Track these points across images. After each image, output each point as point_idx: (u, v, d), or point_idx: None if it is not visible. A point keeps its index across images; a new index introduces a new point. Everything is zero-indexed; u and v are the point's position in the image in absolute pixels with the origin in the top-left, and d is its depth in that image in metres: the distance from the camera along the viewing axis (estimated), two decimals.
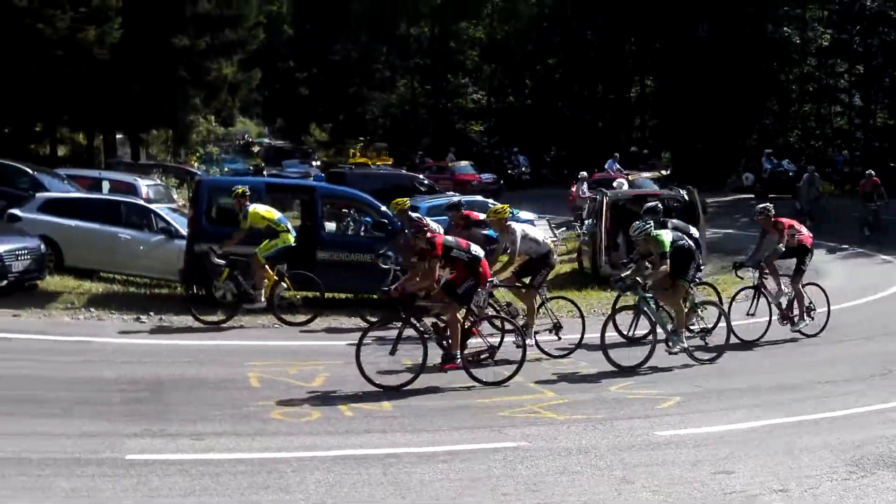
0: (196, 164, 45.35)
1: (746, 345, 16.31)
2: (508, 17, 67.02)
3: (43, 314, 17.40)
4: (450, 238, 13.93)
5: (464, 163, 51.99)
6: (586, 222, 26.21)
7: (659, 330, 14.52)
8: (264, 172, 46.51)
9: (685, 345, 14.55)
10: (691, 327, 15.09)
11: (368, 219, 21.21)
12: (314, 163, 55.87)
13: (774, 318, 17.05)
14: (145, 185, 26.40)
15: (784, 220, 17.56)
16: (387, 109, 72.72)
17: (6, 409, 11.36)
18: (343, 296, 20.11)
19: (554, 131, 61.99)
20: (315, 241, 19.31)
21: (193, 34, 42.30)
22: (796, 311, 17.07)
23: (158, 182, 29.82)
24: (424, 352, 13.00)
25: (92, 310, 17.79)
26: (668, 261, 14.17)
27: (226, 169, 46.10)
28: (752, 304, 17.05)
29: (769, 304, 17.09)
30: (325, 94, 70.36)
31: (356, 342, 12.96)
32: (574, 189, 36.04)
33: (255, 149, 60.68)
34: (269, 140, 67.56)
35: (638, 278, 14.26)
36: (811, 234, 17.66)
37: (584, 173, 37.41)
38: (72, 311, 17.77)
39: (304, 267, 18.82)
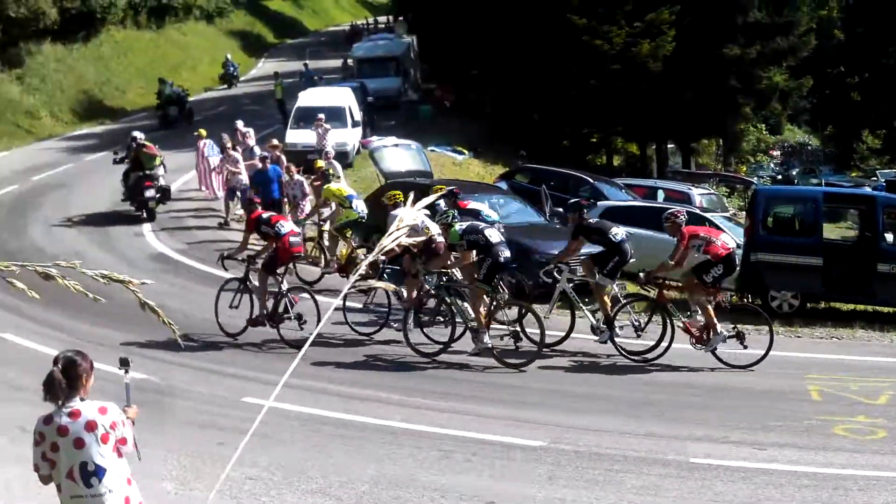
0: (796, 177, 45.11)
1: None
2: None
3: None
4: (264, 215, 15.42)
5: None
6: None
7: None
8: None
9: (486, 344, 13.92)
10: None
11: None
12: None
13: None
14: (699, 195, 26.68)
15: (690, 228, 14.41)
16: None
17: (580, 405, 12.22)
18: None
19: None
20: (875, 252, 18.58)
21: (744, 43, 42.20)
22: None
23: (711, 191, 30.05)
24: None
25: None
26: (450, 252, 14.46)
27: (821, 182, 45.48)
28: (647, 321, 14.50)
29: (668, 320, 14.24)
30: (879, 99, 67.12)
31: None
32: None
33: None
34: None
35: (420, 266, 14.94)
36: (729, 245, 14.09)
37: None
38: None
39: (861, 279, 18.34)
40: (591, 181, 26.50)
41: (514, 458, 10.06)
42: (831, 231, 26.99)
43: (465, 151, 34.97)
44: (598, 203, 23.23)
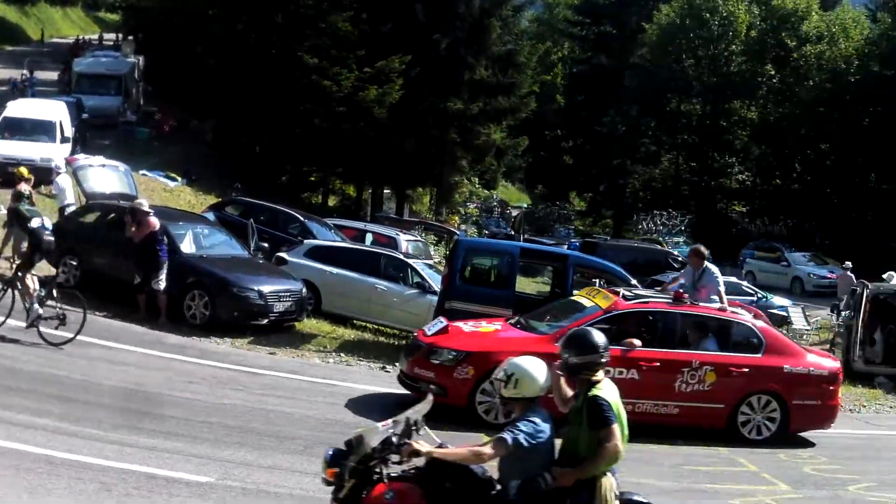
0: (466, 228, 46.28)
1: None
2: (783, 100, 65.70)
3: (296, 354, 18.23)
4: None
5: None
6: (843, 313, 25.27)
7: None
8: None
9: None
10: None
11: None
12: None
13: None
14: (405, 240, 27.23)
15: None
16: (648, 183, 72.59)
17: (256, 441, 12.09)
18: None
19: (820, 218, 60.07)
20: None
21: (468, 99, 43.49)
22: None
23: (418, 238, 30.70)
24: None
25: (342, 355, 18.51)
26: None
27: (485, 232, 47.09)
28: None
29: None
30: (588, 164, 70.93)
31: None
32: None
33: (514, 213, 61.41)
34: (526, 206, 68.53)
35: None
36: None
37: (849, 263, 36.13)
38: (323, 354, 18.51)
39: None
40: (302, 219, 26.58)
41: (177, 494, 9.79)
42: (528, 285, 28.14)
43: (179, 178, 34.33)
44: (305, 241, 23.33)
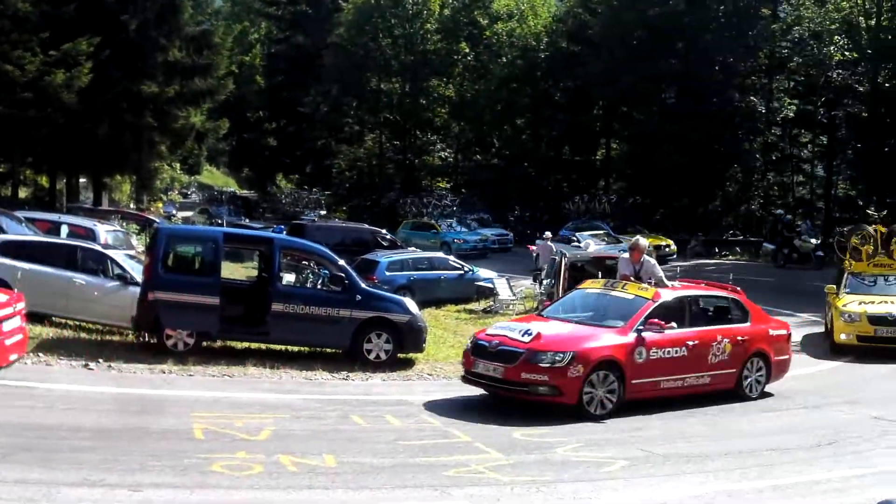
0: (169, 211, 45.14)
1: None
2: (479, 77, 67.58)
3: None
4: None
5: None
6: (544, 282, 26.28)
7: None
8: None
9: None
10: None
11: (326, 272, 21.10)
12: None
13: None
14: (104, 231, 26.18)
15: None
16: (354, 163, 73.18)
17: None
18: (296, 349, 20.08)
19: (519, 191, 62.40)
20: (270, 292, 19.22)
21: (162, 81, 42.30)
22: None
23: (118, 228, 29.65)
24: None
25: (40, 354, 17.48)
26: None
27: (219, 221, 46.13)
28: None
29: None
30: (294, 145, 70.73)
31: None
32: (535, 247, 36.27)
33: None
34: (233, 189, 67.60)
35: None
36: None
37: (549, 233, 37.62)
38: None
39: (258, 318, 18.91)
40: None
41: None
42: (238, 271, 27.69)
43: None
44: None
